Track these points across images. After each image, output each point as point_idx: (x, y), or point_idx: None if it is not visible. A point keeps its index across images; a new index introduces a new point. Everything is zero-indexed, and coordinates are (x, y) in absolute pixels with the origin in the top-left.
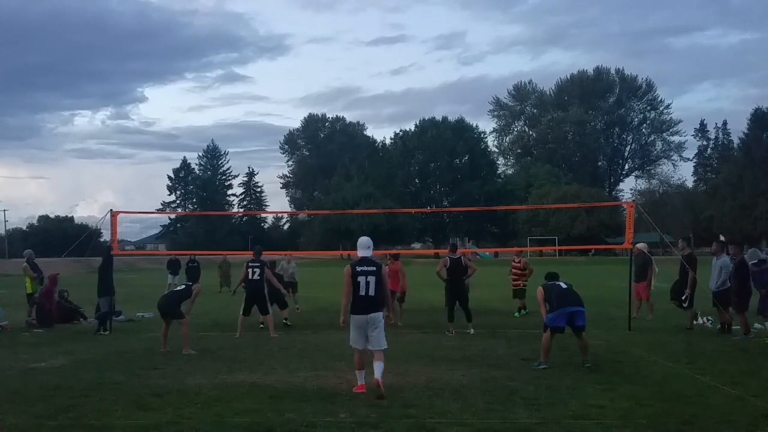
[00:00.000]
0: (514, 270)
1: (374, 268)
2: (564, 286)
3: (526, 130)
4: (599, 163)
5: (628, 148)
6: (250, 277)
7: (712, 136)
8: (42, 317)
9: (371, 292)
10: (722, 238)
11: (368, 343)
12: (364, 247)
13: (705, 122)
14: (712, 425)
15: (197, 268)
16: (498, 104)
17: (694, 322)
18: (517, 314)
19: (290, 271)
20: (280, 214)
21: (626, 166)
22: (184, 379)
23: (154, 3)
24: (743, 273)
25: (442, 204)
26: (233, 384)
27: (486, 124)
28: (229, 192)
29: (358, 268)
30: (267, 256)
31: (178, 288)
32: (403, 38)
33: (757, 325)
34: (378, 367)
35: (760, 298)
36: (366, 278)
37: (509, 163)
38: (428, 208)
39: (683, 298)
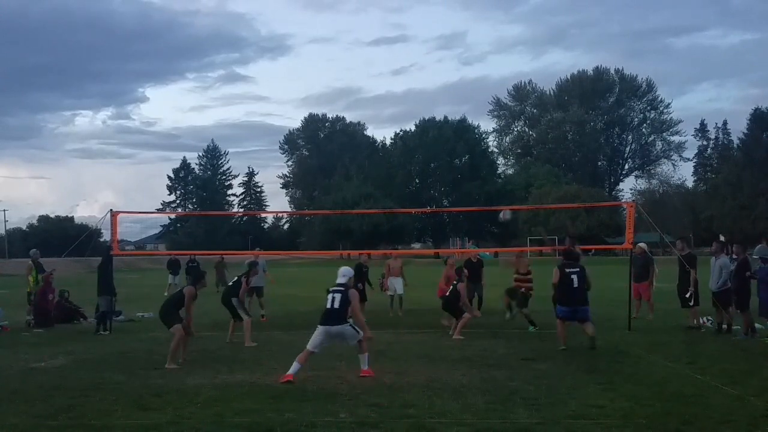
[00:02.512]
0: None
1: (342, 289)
2: (575, 284)
3: (526, 130)
4: (599, 163)
5: (628, 148)
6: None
7: (712, 136)
8: (40, 318)
9: (336, 305)
10: (722, 238)
11: (344, 343)
12: (340, 275)
13: (705, 122)
14: (712, 425)
15: (198, 268)
16: (498, 104)
17: (695, 322)
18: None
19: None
20: (280, 214)
21: (626, 166)
22: (184, 379)
23: (156, 3)
24: (744, 272)
25: (442, 204)
26: (233, 384)
27: (486, 124)
28: (229, 192)
29: (331, 288)
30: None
31: (177, 291)
32: (403, 38)
33: (758, 325)
34: (363, 359)
35: (760, 299)
36: (333, 295)
37: (509, 163)
38: (428, 208)
39: (687, 296)
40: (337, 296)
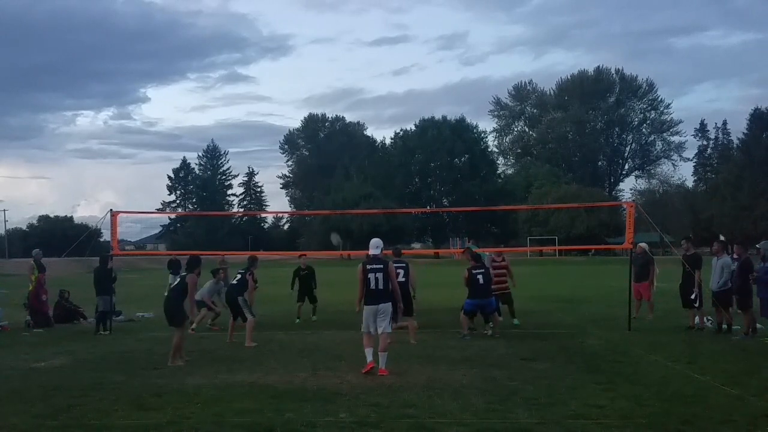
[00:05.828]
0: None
1: (381, 266)
2: (481, 281)
3: (526, 130)
4: (599, 163)
5: (628, 148)
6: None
7: (712, 136)
8: (37, 318)
9: (380, 286)
10: (722, 237)
11: (377, 328)
12: (374, 246)
13: (705, 122)
14: (712, 425)
15: (195, 258)
16: (498, 104)
17: (696, 322)
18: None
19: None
20: (280, 214)
21: (626, 166)
22: (184, 379)
23: (158, 4)
24: (746, 272)
25: (442, 204)
26: (233, 384)
27: (487, 125)
28: (229, 192)
29: (369, 267)
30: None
31: (174, 284)
32: (405, 38)
33: (759, 326)
34: (382, 357)
35: (761, 299)
36: (375, 275)
37: (509, 163)
38: (428, 207)
39: (692, 297)
40: (379, 276)
